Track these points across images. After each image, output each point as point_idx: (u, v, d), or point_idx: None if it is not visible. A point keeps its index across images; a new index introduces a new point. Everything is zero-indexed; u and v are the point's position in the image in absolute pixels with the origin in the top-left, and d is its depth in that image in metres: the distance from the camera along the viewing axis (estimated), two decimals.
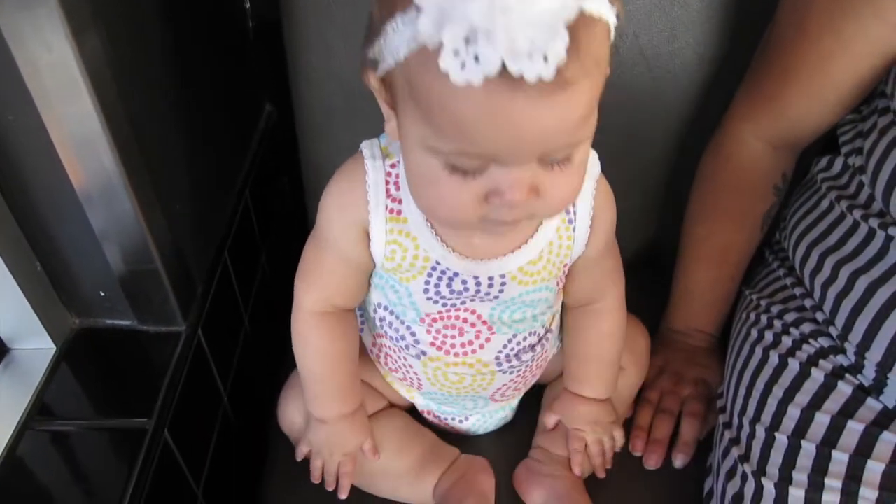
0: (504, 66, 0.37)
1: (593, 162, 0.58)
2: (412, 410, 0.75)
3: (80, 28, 0.50)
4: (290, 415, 0.71)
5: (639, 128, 0.79)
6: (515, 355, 0.65)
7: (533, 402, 0.76)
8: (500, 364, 0.65)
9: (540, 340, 0.66)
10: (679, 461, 0.72)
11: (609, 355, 0.69)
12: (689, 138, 0.80)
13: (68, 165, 0.57)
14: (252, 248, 0.91)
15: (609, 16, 0.41)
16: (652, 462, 0.72)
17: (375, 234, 0.56)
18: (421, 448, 0.70)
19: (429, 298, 0.59)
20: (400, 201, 0.56)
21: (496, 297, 0.59)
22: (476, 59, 0.37)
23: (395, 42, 0.41)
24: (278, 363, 0.81)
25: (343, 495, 0.68)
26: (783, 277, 0.72)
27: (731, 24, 0.73)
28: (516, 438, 0.74)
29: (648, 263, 0.91)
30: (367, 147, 0.56)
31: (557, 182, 0.46)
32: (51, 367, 0.65)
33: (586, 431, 0.70)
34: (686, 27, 0.72)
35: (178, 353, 0.67)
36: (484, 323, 0.62)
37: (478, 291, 0.59)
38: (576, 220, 0.59)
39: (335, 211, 0.58)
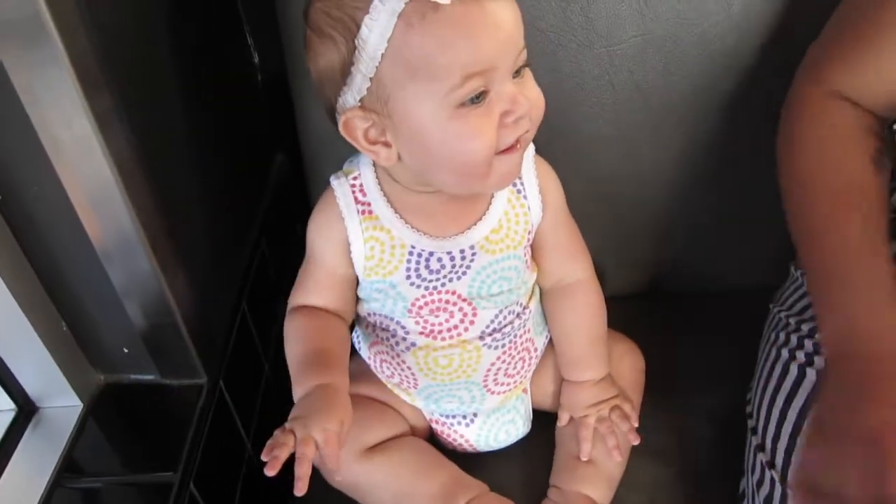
0: None
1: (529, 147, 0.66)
2: (431, 440, 0.76)
3: (93, 91, 0.53)
4: None
5: (639, 160, 0.80)
6: (499, 330, 0.68)
7: (549, 433, 0.76)
8: (482, 339, 0.68)
9: (518, 316, 0.70)
10: None
11: (594, 329, 0.73)
12: (688, 167, 0.82)
13: (88, 227, 0.59)
14: (269, 295, 0.92)
15: None
16: None
17: (353, 237, 0.64)
18: (448, 474, 0.71)
19: (412, 284, 0.65)
20: (369, 203, 0.64)
21: (469, 268, 0.65)
22: None
23: (376, 34, 0.51)
24: None
25: (335, 471, 0.63)
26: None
27: (723, 57, 0.74)
28: (541, 465, 0.75)
29: (644, 296, 0.92)
30: (332, 177, 0.66)
31: (529, 91, 0.56)
32: (78, 424, 0.67)
33: (591, 415, 0.71)
34: (679, 61, 0.73)
35: (201, 406, 0.68)
36: (465, 301, 0.66)
37: (453, 267, 0.64)
38: (524, 189, 0.67)
39: (316, 233, 0.66)
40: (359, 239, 0.64)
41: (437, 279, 0.65)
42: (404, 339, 0.68)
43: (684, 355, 0.85)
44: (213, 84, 0.80)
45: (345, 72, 0.54)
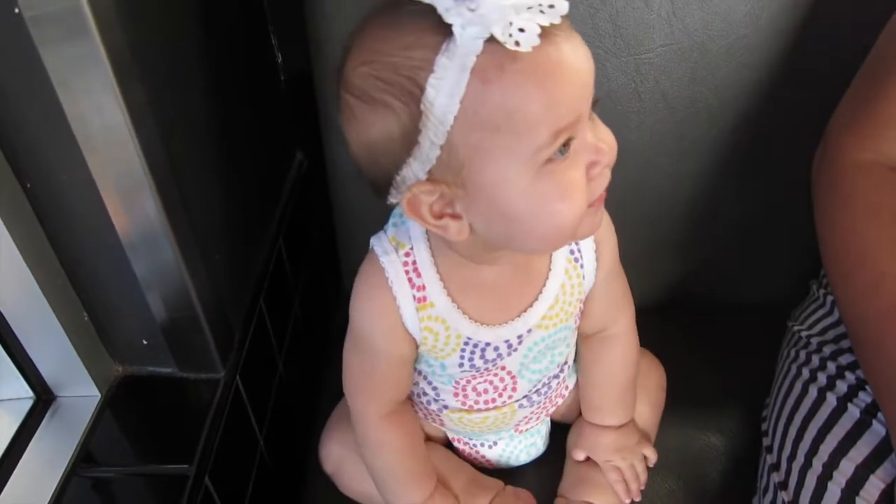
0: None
1: None
2: (448, 446, 0.76)
3: (127, 83, 0.53)
4: (336, 451, 0.72)
5: (661, 171, 0.80)
6: (536, 391, 0.68)
7: (561, 444, 0.76)
8: (519, 402, 0.67)
9: (557, 376, 0.69)
10: None
11: (625, 380, 0.71)
12: (710, 180, 0.81)
13: (114, 216, 0.59)
14: (286, 294, 0.92)
15: None
16: None
17: (410, 323, 0.58)
18: (466, 477, 0.72)
19: (464, 370, 0.62)
20: (423, 287, 0.57)
21: (521, 345, 0.62)
22: (521, 30, 0.41)
23: (444, 95, 0.43)
24: (312, 407, 0.82)
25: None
26: (833, 311, 0.70)
27: (749, 70, 0.74)
28: (554, 473, 0.75)
29: (660, 310, 0.91)
30: (377, 244, 0.58)
31: (604, 135, 0.50)
32: (95, 414, 0.67)
33: (616, 460, 0.71)
34: (706, 71, 0.74)
35: (218, 400, 0.68)
36: (511, 376, 0.64)
37: (509, 351, 0.62)
38: (581, 257, 0.62)
39: (369, 321, 0.60)
40: (415, 327, 0.59)
41: (491, 363, 0.62)
42: (436, 400, 0.68)
43: (699, 370, 0.85)
44: (237, 82, 0.80)
45: (408, 142, 0.46)
